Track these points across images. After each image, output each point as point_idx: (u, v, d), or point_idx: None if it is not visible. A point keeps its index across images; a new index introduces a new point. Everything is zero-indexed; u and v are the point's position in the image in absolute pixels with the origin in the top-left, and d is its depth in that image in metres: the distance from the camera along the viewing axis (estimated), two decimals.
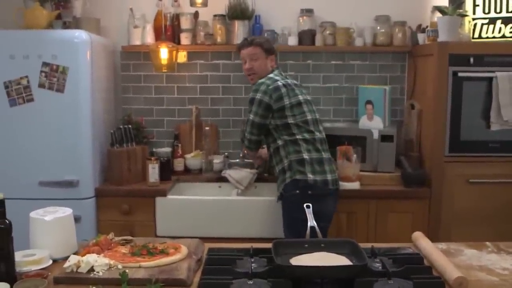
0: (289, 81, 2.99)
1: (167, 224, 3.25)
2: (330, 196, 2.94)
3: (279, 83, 2.92)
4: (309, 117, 2.95)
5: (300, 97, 2.96)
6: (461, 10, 3.31)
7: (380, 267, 1.80)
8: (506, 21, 3.37)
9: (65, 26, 3.37)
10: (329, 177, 2.91)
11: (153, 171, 3.31)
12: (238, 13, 3.63)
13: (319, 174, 2.88)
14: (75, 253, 1.92)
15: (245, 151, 3.41)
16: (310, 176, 2.85)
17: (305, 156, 2.88)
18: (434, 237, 3.01)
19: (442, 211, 3.26)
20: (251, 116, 2.96)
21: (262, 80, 2.96)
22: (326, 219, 2.91)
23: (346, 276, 1.68)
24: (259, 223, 3.20)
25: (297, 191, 2.85)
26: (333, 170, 2.98)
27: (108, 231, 2.17)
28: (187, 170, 3.67)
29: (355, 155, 3.22)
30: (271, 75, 2.99)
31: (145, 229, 3.22)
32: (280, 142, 2.94)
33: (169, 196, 3.28)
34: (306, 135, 2.91)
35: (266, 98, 2.89)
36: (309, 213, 2.05)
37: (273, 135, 2.98)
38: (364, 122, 3.56)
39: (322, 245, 1.89)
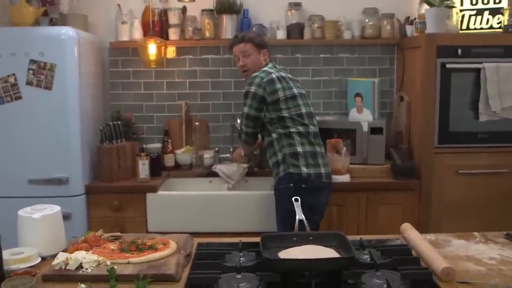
0: (283, 74, 2.99)
1: (158, 220, 3.25)
2: (323, 190, 2.95)
3: (273, 76, 2.92)
4: (303, 110, 2.95)
5: (295, 90, 2.96)
6: (448, 2, 3.32)
7: (369, 259, 1.81)
8: (493, 12, 3.38)
9: (52, 23, 3.35)
10: (322, 170, 2.92)
11: (143, 167, 3.31)
12: (226, 7, 3.62)
13: (313, 167, 2.89)
14: (63, 251, 1.92)
15: (242, 150, 3.34)
16: (304, 170, 2.86)
17: (299, 149, 2.89)
18: (424, 229, 3.06)
19: (432, 202, 3.28)
20: (246, 109, 2.96)
21: (256, 73, 2.96)
22: (318, 212, 2.93)
23: (334, 268, 1.68)
24: (250, 218, 3.21)
25: (291, 184, 2.86)
26: (326, 163, 2.99)
27: (99, 228, 2.17)
28: (177, 166, 3.67)
29: (344, 148, 3.22)
30: (265, 68, 2.99)
31: (136, 226, 3.22)
32: (274, 136, 2.94)
33: (160, 192, 3.28)
34: (301, 128, 2.92)
35: (260, 91, 2.89)
36: (297, 206, 2.05)
37: (267, 128, 2.98)
38: (353, 115, 3.57)
39: (311, 238, 1.90)
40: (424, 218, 3.27)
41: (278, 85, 2.90)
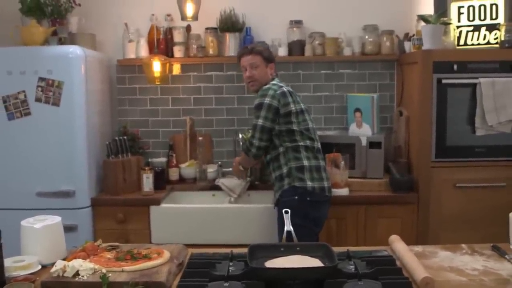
0: (290, 89, 3.06)
1: (161, 232, 3.33)
2: (326, 203, 3.02)
3: (285, 89, 2.99)
4: (310, 125, 3.02)
5: (302, 105, 3.03)
6: (445, 18, 3.38)
7: (353, 269, 1.87)
8: (490, 28, 3.43)
9: (61, 42, 3.48)
10: (325, 184, 2.99)
11: (147, 181, 3.41)
12: (229, 25, 3.73)
13: (317, 181, 2.95)
14: (63, 259, 2.01)
15: (242, 163, 3.35)
16: (309, 183, 2.92)
17: (305, 163, 2.94)
18: (423, 242, 3.12)
19: (430, 215, 3.31)
20: (260, 121, 2.95)
21: (268, 86, 3.01)
22: (321, 225, 3.01)
23: (316, 277, 1.75)
24: (252, 230, 3.28)
25: (296, 197, 2.91)
26: (328, 177, 3.05)
27: (104, 240, 2.26)
28: (181, 179, 3.76)
29: (343, 162, 3.29)
30: (275, 82, 3.06)
31: (140, 237, 3.31)
32: (281, 149, 2.98)
33: (163, 205, 3.37)
34: (308, 142, 2.98)
35: (275, 102, 2.93)
36: (286, 218, 2.13)
37: (274, 141, 3.00)
38: (353, 130, 3.64)
39: (298, 248, 1.97)
40: (423, 232, 3.31)
41: (290, 98, 2.96)
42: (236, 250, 2.07)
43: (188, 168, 3.76)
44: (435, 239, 3.27)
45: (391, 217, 3.33)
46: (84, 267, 1.88)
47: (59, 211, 2.64)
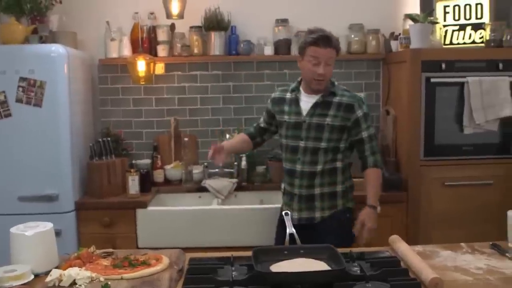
0: None
1: (148, 236, 3.25)
2: None
3: None
4: None
5: None
6: (432, 18, 3.39)
7: (358, 271, 1.85)
8: (475, 27, 3.47)
9: (42, 40, 3.37)
10: None
11: (133, 183, 3.32)
12: (214, 24, 3.66)
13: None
14: (56, 267, 1.93)
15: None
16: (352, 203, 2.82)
17: (352, 181, 2.83)
18: (414, 240, 3.12)
19: (420, 214, 3.32)
20: (373, 131, 2.76)
21: (352, 92, 2.77)
22: None
23: (325, 280, 1.71)
24: (240, 232, 3.22)
25: (348, 215, 2.77)
26: None
27: (89, 245, 2.18)
28: (167, 181, 3.69)
29: None
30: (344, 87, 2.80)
31: (126, 241, 3.22)
32: (339, 165, 2.73)
33: (150, 208, 3.29)
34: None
35: None
36: (287, 220, 2.09)
37: (333, 155, 2.70)
38: None
39: (301, 251, 1.94)
40: (413, 230, 3.31)
41: None
42: (236, 254, 2.03)
43: (173, 170, 3.68)
44: (425, 237, 3.28)
45: (381, 216, 3.28)
46: (81, 275, 1.81)
47: (42, 216, 2.54)
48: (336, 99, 2.69)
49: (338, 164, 2.73)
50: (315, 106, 2.69)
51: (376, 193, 2.74)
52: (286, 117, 2.77)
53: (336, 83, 2.79)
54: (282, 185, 2.90)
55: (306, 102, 2.72)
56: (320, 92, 2.69)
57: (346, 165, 2.78)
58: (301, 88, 2.78)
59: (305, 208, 2.73)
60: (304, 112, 2.71)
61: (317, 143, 2.68)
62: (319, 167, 2.68)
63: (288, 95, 2.81)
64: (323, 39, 2.59)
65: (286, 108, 2.79)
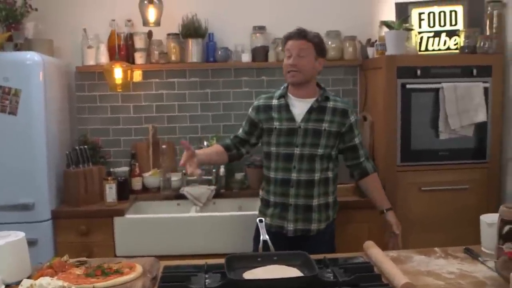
0: None
1: (126, 244, 3.23)
2: None
3: None
4: None
5: None
6: (407, 25, 3.43)
7: (331, 277, 1.85)
8: (450, 34, 3.52)
9: (17, 48, 3.33)
10: None
11: (110, 191, 3.30)
12: (191, 31, 3.66)
13: None
14: (29, 277, 1.91)
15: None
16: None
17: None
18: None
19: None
20: (361, 137, 2.81)
21: (342, 99, 2.80)
22: None
23: (298, 287, 1.72)
24: (219, 239, 3.21)
25: (333, 227, 2.82)
26: None
27: (66, 254, 2.15)
28: (145, 189, 3.67)
29: None
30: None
31: (104, 250, 3.19)
32: (330, 174, 2.70)
33: (127, 216, 3.27)
34: None
35: None
36: (261, 227, 2.09)
37: (327, 163, 2.68)
38: None
39: (275, 258, 1.93)
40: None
41: None
42: (210, 261, 2.02)
43: (151, 177, 3.66)
44: (403, 242, 3.27)
45: (358, 222, 3.33)
46: (52, 285, 1.77)
47: (17, 225, 2.54)
48: (330, 104, 2.69)
49: (330, 174, 2.70)
50: (310, 111, 2.66)
51: (385, 196, 2.85)
52: (276, 124, 2.68)
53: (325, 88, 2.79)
54: (261, 193, 2.86)
55: (299, 107, 2.68)
56: (293, 85, 2.69)
57: (335, 175, 2.75)
58: (289, 93, 2.74)
59: (301, 219, 2.67)
60: (298, 118, 2.66)
61: (313, 149, 2.64)
62: (316, 175, 2.64)
63: (275, 102, 2.74)
64: (296, 32, 2.64)
65: (274, 114, 2.71)
